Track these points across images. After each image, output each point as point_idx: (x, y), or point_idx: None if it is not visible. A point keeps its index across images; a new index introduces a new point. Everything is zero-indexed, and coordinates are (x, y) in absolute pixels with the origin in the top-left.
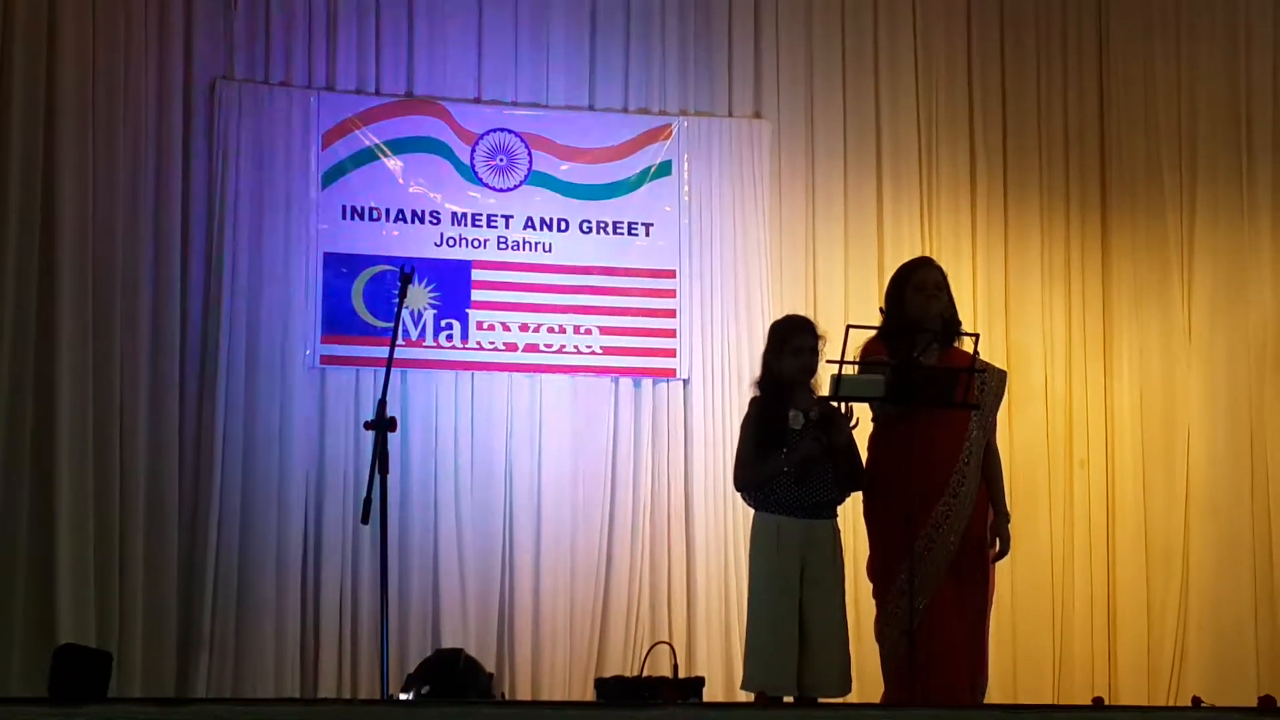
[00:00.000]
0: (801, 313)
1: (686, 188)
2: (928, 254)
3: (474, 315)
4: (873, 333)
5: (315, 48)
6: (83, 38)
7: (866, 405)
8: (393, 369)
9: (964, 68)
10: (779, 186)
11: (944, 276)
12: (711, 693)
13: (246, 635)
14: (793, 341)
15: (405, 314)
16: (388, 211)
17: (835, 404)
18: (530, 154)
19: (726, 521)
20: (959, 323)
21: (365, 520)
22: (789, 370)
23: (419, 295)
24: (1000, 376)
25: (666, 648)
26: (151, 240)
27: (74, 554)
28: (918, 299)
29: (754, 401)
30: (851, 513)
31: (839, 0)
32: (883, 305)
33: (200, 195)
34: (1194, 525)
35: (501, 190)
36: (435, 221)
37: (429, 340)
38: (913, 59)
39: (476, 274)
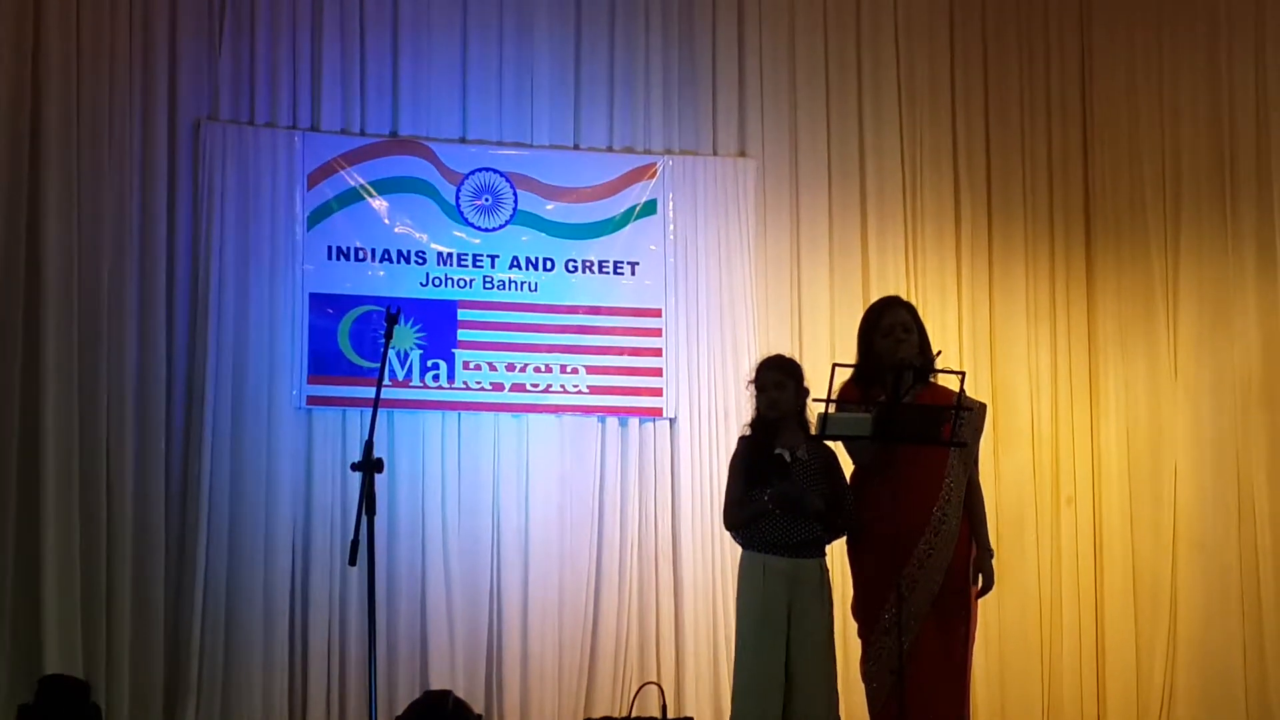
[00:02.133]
0: (786, 351)
1: (672, 226)
2: (913, 290)
3: (460, 355)
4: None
5: (300, 88)
6: (67, 78)
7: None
8: (379, 409)
9: (948, 105)
10: (764, 224)
11: (913, 315)
12: None
13: (234, 678)
14: (758, 379)
15: (392, 354)
16: (373, 252)
17: (827, 443)
18: (515, 193)
19: (714, 560)
20: (933, 360)
21: (353, 562)
22: (760, 407)
23: (405, 335)
24: (980, 409)
25: (655, 688)
26: (136, 282)
27: (60, 598)
28: (885, 344)
29: (742, 440)
30: (840, 551)
31: (822, 38)
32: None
33: (185, 236)
34: (1182, 561)
35: (487, 230)
36: (421, 261)
37: (415, 380)
38: (896, 97)
39: (463, 314)
